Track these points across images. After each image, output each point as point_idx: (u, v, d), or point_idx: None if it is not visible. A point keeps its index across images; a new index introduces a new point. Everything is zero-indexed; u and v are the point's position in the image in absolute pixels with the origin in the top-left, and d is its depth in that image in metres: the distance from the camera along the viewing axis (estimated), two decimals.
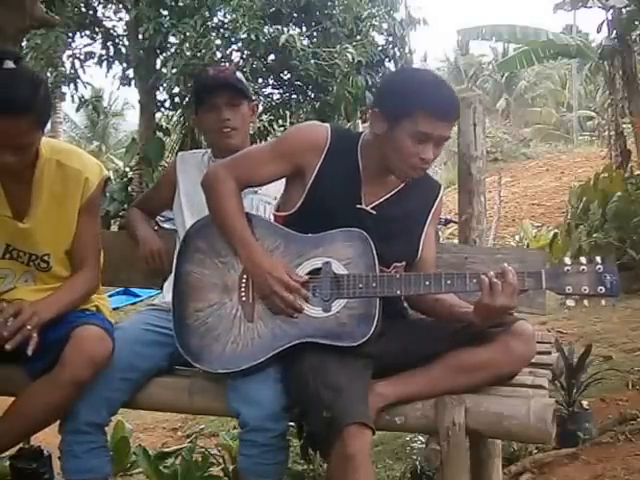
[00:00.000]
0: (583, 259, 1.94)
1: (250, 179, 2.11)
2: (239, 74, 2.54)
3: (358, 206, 2.06)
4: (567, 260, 1.95)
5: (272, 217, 2.19)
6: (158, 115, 11.82)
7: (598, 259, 1.93)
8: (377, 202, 2.08)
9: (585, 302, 1.93)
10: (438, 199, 2.20)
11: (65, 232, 2.17)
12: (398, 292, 1.97)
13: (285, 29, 10.00)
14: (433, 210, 2.18)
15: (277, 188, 2.22)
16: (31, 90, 1.91)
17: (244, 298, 2.02)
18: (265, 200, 2.38)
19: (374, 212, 2.07)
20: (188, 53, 9.79)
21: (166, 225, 3.04)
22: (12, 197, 2.11)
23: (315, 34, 10.47)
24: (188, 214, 2.39)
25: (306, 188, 2.05)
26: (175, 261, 2.13)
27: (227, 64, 10.28)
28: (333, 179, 2.04)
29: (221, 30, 10.37)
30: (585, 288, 1.90)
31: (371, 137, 2.07)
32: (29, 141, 1.95)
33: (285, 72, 10.69)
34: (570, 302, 1.94)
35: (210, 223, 2.09)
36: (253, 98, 2.66)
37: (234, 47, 10.47)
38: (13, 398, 2.10)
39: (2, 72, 1.93)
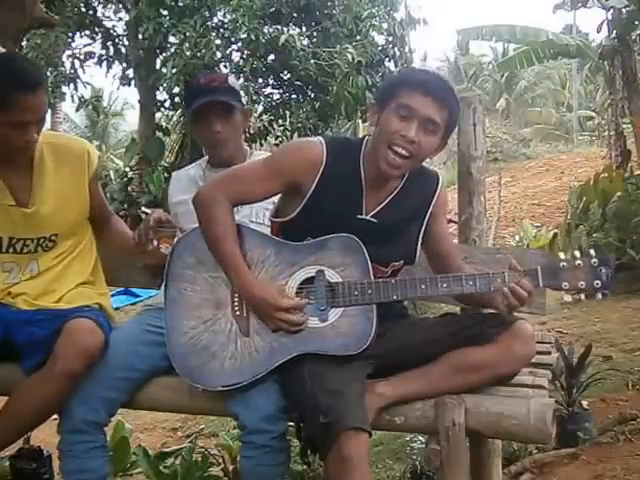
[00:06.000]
0: (577, 253, 1.94)
1: (243, 198, 2.08)
2: (231, 80, 2.47)
3: (359, 216, 2.04)
4: (562, 255, 1.95)
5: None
6: (158, 115, 11.83)
7: (592, 252, 1.93)
8: (378, 209, 2.06)
9: (582, 296, 1.94)
10: (438, 191, 2.15)
11: (75, 206, 2.28)
12: (394, 297, 1.97)
13: (285, 29, 10.01)
14: (433, 203, 2.13)
15: None
16: (34, 65, 2.12)
17: (238, 312, 2.01)
18: (264, 207, 2.34)
19: (375, 220, 2.05)
20: (188, 53, 9.79)
21: None
22: (13, 186, 2.18)
23: (315, 34, 10.47)
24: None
25: (304, 200, 2.03)
26: (165, 279, 2.09)
27: (227, 64, 10.32)
28: (333, 191, 2.01)
29: (221, 30, 10.37)
30: (582, 283, 1.91)
31: (371, 142, 2.06)
32: (46, 112, 2.10)
33: (285, 72, 10.68)
34: (567, 297, 1.94)
35: (197, 238, 2.05)
36: (246, 103, 2.62)
37: (234, 47, 10.48)
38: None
39: (5, 56, 2.03)
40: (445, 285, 1.95)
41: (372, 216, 2.05)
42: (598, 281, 1.90)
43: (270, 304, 1.95)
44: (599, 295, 1.94)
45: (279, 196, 2.15)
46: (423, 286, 1.96)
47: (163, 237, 2.21)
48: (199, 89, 2.42)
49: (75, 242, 2.31)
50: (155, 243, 2.21)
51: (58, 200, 2.22)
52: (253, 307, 1.99)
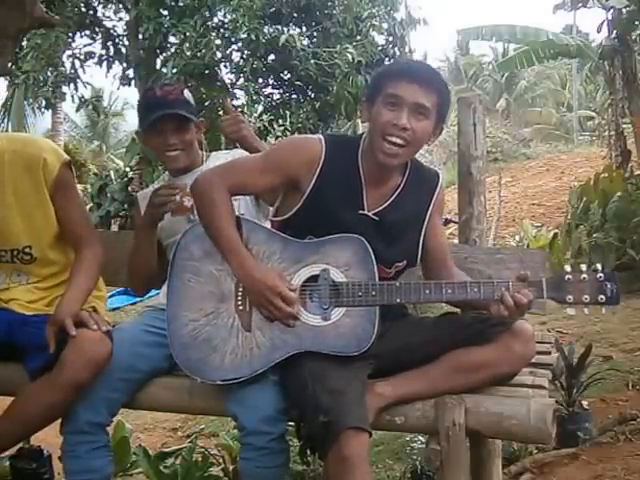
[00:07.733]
0: (584, 266, 1.93)
1: (241, 188, 2.09)
2: (187, 93, 2.45)
3: (361, 212, 2.05)
4: (568, 268, 1.94)
5: None
6: None
7: (599, 266, 1.92)
8: (380, 208, 2.06)
9: (585, 310, 1.93)
10: (437, 189, 2.16)
11: (41, 219, 2.19)
12: (398, 300, 1.96)
13: (285, 29, 10.02)
14: (433, 202, 2.15)
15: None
16: None
17: (241, 307, 2.00)
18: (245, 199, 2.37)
19: (377, 218, 2.05)
20: (188, 53, 9.81)
21: None
22: None
23: (315, 34, 10.48)
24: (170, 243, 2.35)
25: (303, 197, 2.03)
26: (169, 270, 2.08)
27: (227, 64, 10.31)
28: (333, 187, 2.02)
29: (221, 30, 10.37)
30: (586, 297, 1.91)
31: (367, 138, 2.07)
32: None
33: (285, 72, 10.69)
34: (571, 311, 1.93)
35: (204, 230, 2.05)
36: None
37: (234, 47, 10.49)
38: (12, 398, 2.11)
39: None
40: (449, 291, 1.95)
41: (374, 214, 2.06)
42: (602, 296, 1.90)
43: (269, 287, 1.94)
44: (603, 310, 1.93)
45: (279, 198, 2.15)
46: (427, 291, 1.95)
47: (184, 191, 2.25)
48: (156, 101, 2.39)
49: (66, 263, 2.27)
50: (178, 198, 2.23)
51: (22, 210, 2.16)
52: (250, 288, 1.97)
